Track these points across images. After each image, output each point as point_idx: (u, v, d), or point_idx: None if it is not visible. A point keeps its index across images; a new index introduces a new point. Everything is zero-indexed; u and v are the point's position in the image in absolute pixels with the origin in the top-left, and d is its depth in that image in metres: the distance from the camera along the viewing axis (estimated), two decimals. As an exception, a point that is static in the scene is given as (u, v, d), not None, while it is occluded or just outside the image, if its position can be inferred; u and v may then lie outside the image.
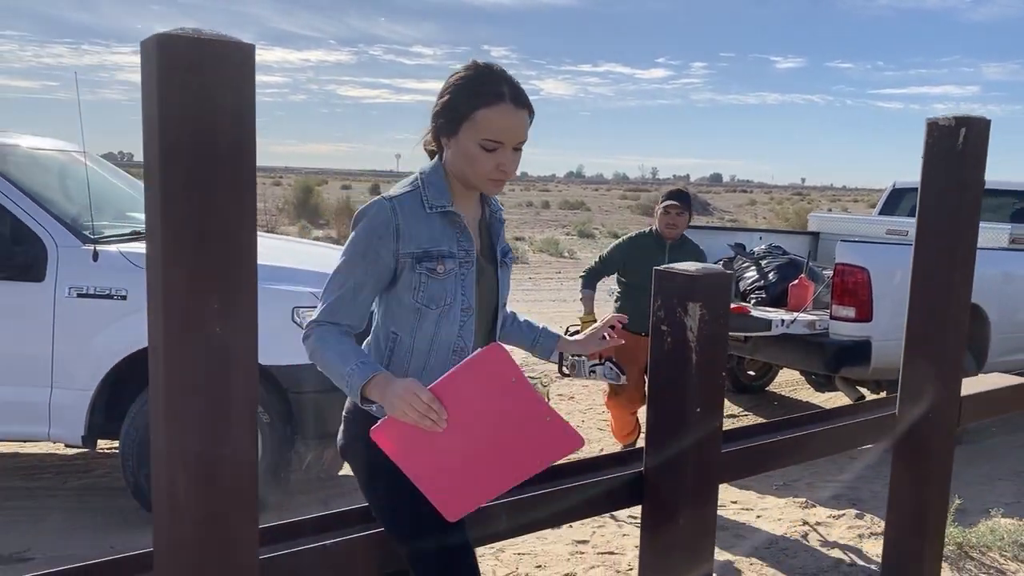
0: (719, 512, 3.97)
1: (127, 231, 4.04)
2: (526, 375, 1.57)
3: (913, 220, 2.41)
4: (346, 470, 4.52)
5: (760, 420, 4.98)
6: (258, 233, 1.28)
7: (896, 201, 7.60)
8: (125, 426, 3.65)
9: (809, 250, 6.41)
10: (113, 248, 3.71)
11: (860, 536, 3.58)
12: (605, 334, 1.99)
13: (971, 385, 2.76)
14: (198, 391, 1.22)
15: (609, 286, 4.69)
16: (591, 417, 5.49)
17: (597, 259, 4.48)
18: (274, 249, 4.41)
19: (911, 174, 6.89)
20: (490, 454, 1.57)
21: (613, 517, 3.82)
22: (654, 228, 4.35)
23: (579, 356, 3.93)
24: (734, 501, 4.18)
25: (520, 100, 1.68)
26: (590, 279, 4.42)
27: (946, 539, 3.30)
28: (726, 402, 6.17)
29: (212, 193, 1.20)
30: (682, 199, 4.32)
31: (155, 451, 1.28)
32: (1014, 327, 5.50)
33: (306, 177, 35.09)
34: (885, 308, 4.69)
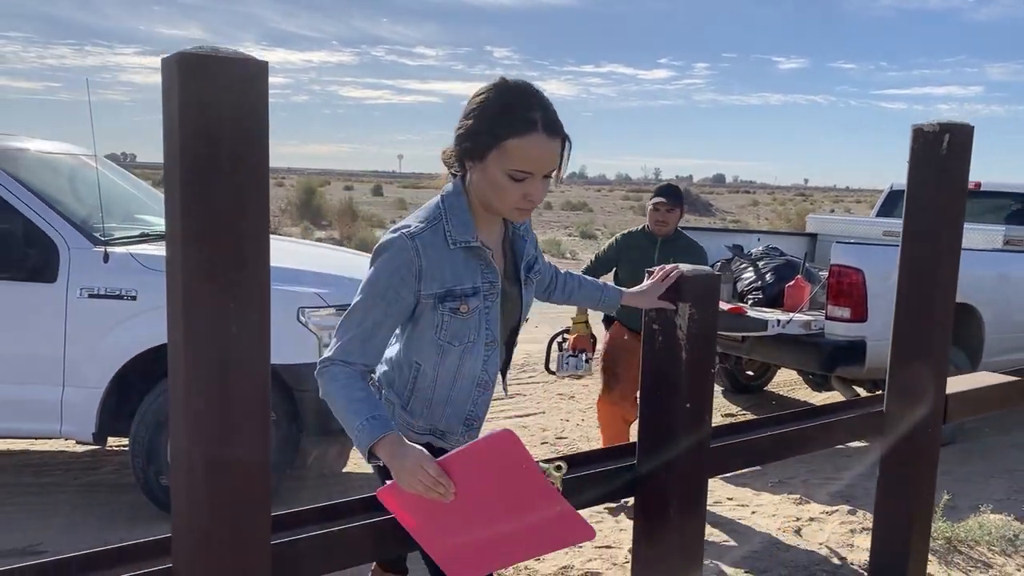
0: (715, 508, 4.07)
1: (136, 233, 4.13)
2: (538, 461, 1.52)
3: None
4: (349, 467, 4.60)
5: (757, 419, 5.06)
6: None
7: (894, 202, 7.67)
8: (134, 424, 3.74)
9: (806, 251, 6.48)
10: (123, 250, 3.80)
11: (852, 531, 3.67)
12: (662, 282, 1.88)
13: (957, 383, 2.83)
14: (215, 387, 1.31)
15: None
16: (591, 417, 5.56)
17: (592, 258, 4.47)
18: (278, 250, 4.49)
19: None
20: (497, 530, 1.54)
21: (611, 513, 3.91)
22: (646, 225, 4.31)
23: (561, 351, 4.06)
24: (730, 498, 4.27)
25: (553, 128, 1.57)
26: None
27: (936, 534, 3.38)
28: (725, 401, 6.25)
29: (228, 200, 1.28)
30: (671, 195, 4.25)
31: (174, 444, 1.36)
32: (1008, 327, 5.58)
33: (308, 178, 35.19)
34: (880, 309, 4.76)
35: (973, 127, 2.48)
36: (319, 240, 14.57)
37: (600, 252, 4.49)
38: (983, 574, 3.26)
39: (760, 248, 6.11)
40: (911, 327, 2.49)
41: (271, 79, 1.30)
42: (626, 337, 4.17)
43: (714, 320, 1.93)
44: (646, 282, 1.90)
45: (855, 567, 3.29)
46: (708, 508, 3.98)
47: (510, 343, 1.81)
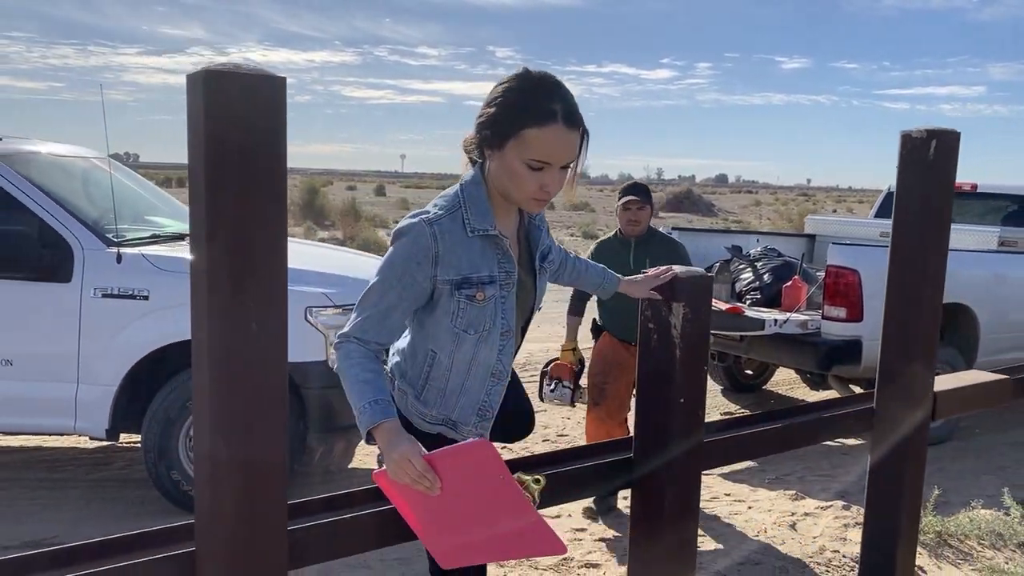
0: (713, 504, 4.16)
1: (147, 234, 4.23)
2: (517, 476, 1.56)
3: None
4: (355, 463, 4.70)
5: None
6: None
7: (891, 204, 7.74)
8: (146, 420, 3.84)
9: (803, 252, 6.57)
10: (136, 251, 3.90)
11: (845, 526, 3.75)
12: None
13: (947, 381, 2.92)
14: (237, 382, 1.40)
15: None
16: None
17: None
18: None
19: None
20: (479, 527, 1.60)
21: (601, 511, 3.99)
22: (618, 230, 4.13)
23: (542, 380, 4.00)
24: (727, 494, 4.36)
25: (572, 120, 1.60)
26: (575, 302, 4.13)
27: (927, 528, 3.47)
28: (725, 400, 6.34)
29: (250, 205, 1.37)
30: (641, 192, 4.09)
31: (198, 436, 1.46)
32: (1003, 327, 5.67)
33: (311, 178, 35.27)
34: (875, 309, 4.82)
35: (959, 133, 2.57)
36: (322, 240, 14.65)
37: None
38: (972, 566, 3.35)
39: (758, 249, 6.20)
40: (900, 327, 2.58)
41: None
42: (614, 348, 4.03)
43: (707, 319, 2.02)
44: (642, 274, 1.94)
45: (847, 559, 3.38)
46: (706, 503, 4.09)
47: (522, 332, 1.85)
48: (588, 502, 3.92)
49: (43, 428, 4.01)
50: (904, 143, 2.55)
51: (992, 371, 3.17)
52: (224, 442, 1.41)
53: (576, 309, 4.11)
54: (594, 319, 4.15)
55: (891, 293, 2.61)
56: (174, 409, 3.80)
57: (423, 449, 1.53)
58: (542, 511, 1.60)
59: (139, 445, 4.00)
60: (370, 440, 1.60)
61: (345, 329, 1.65)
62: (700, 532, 2.97)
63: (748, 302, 5.62)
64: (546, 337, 7.43)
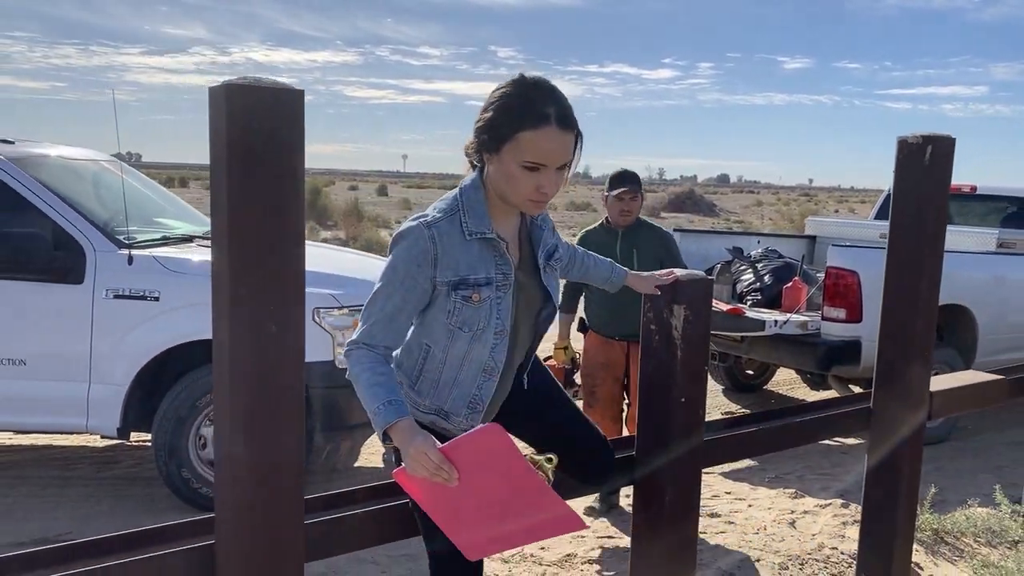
0: (714, 501, 4.23)
1: (158, 236, 4.30)
2: (528, 456, 1.62)
3: None
4: (361, 461, 4.77)
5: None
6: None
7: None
8: (157, 419, 3.90)
9: (804, 253, 6.62)
10: (146, 252, 3.96)
11: (844, 523, 3.81)
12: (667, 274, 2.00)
13: (943, 381, 2.98)
14: (257, 380, 1.46)
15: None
16: (594, 414, 5.72)
17: None
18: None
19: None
20: (500, 514, 1.65)
21: (605, 509, 4.05)
22: (605, 219, 4.04)
23: None
24: (728, 492, 4.42)
25: (566, 122, 1.65)
26: (566, 300, 4.01)
27: (923, 526, 3.53)
28: (726, 400, 6.40)
29: (268, 210, 1.43)
30: (634, 181, 3.98)
31: (218, 433, 1.52)
32: (1001, 328, 5.72)
33: (313, 178, 35.32)
34: (874, 310, 4.87)
35: (955, 139, 2.63)
36: (325, 240, 14.70)
37: None
38: (967, 563, 3.41)
39: (759, 250, 6.26)
40: (896, 328, 2.64)
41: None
42: (599, 348, 4.00)
43: (707, 321, 2.08)
44: (651, 273, 2.05)
45: (845, 556, 3.44)
46: (706, 501, 4.15)
47: (540, 331, 1.91)
48: (591, 500, 3.98)
49: (55, 427, 4.08)
50: (900, 148, 2.60)
51: (990, 372, 3.24)
52: (244, 440, 1.47)
53: (568, 307, 4.05)
54: (581, 318, 4.15)
55: (888, 295, 2.67)
56: (184, 408, 3.87)
57: (437, 442, 1.58)
58: None
59: (148, 443, 4.06)
60: (386, 440, 1.65)
61: (354, 336, 1.71)
62: (701, 529, 3.03)
63: (749, 303, 5.68)
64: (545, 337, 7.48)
